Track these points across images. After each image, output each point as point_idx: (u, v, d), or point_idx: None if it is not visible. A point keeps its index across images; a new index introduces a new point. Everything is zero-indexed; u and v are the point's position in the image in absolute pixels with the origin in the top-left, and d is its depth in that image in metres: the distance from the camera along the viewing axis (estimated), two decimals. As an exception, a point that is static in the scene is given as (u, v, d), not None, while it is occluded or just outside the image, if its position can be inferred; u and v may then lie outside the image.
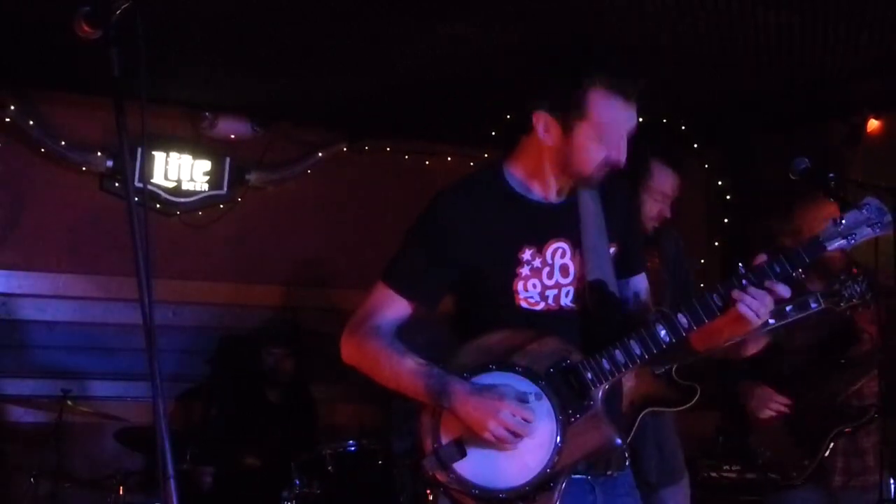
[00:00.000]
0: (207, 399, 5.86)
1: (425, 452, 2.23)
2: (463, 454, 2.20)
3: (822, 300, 3.25)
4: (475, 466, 2.20)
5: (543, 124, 2.27)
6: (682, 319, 2.20)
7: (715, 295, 2.19)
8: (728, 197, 6.26)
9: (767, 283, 2.15)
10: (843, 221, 2.22)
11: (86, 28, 1.89)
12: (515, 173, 2.36)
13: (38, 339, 5.69)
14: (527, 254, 2.30)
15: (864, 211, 2.24)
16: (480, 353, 2.26)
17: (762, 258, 2.19)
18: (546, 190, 2.35)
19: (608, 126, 2.22)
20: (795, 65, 4.82)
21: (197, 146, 6.05)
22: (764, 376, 3.71)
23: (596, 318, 2.31)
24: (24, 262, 5.71)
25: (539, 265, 2.31)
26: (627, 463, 2.41)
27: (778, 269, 2.18)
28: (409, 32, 4.52)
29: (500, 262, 2.30)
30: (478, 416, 2.15)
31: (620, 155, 2.25)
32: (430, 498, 4.67)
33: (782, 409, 3.66)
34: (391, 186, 6.35)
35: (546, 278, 2.31)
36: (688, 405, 3.22)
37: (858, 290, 3.28)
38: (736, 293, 2.15)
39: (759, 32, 4.40)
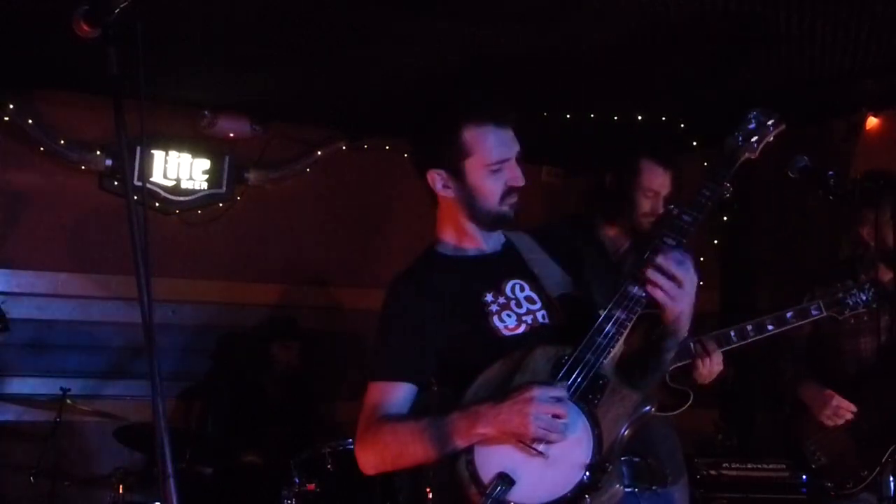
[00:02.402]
0: (207, 397, 5.86)
1: (475, 502, 2.17)
2: (512, 483, 2.16)
3: (824, 308, 3.20)
4: (529, 488, 2.16)
5: (439, 180, 2.37)
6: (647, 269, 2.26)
7: (667, 238, 2.28)
8: (727, 196, 6.25)
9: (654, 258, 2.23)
10: (739, 135, 2.40)
11: (84, 27, 1.89)
12: (446, 241, 2.46)
13: (37, 338, 5.69)
14: (489, 297, 2.37)
15: (752, 121, 2.43)
16: (481, 392, 2.24)
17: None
18: (477, 243, 2.44)
19: (491, 153, 2.31)
20: (795, 64, 4.82)
21: (196, 145, 6.05)
22: (826, 378, 3.56)
23: (575, 328, 2.33)
24: (24, 260, 5.70)
25: (504, 301, 2.38)
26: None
27: (708, 193, 2.36)
28: (409, 32, 4.52)
29: (470, 313, 2.35)
30: (515, 417, 2.13)
31: (516, 179, 2.34)
32: (430, 497, 4.69)
33: (850, 416, 3.49)
34: (390, 185, 6.34)
35: (516, 308, 2.37)
36: (680, 410, 3.20)
37: (864, 298, 3.22)
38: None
39: (757, 31, 4.40)
